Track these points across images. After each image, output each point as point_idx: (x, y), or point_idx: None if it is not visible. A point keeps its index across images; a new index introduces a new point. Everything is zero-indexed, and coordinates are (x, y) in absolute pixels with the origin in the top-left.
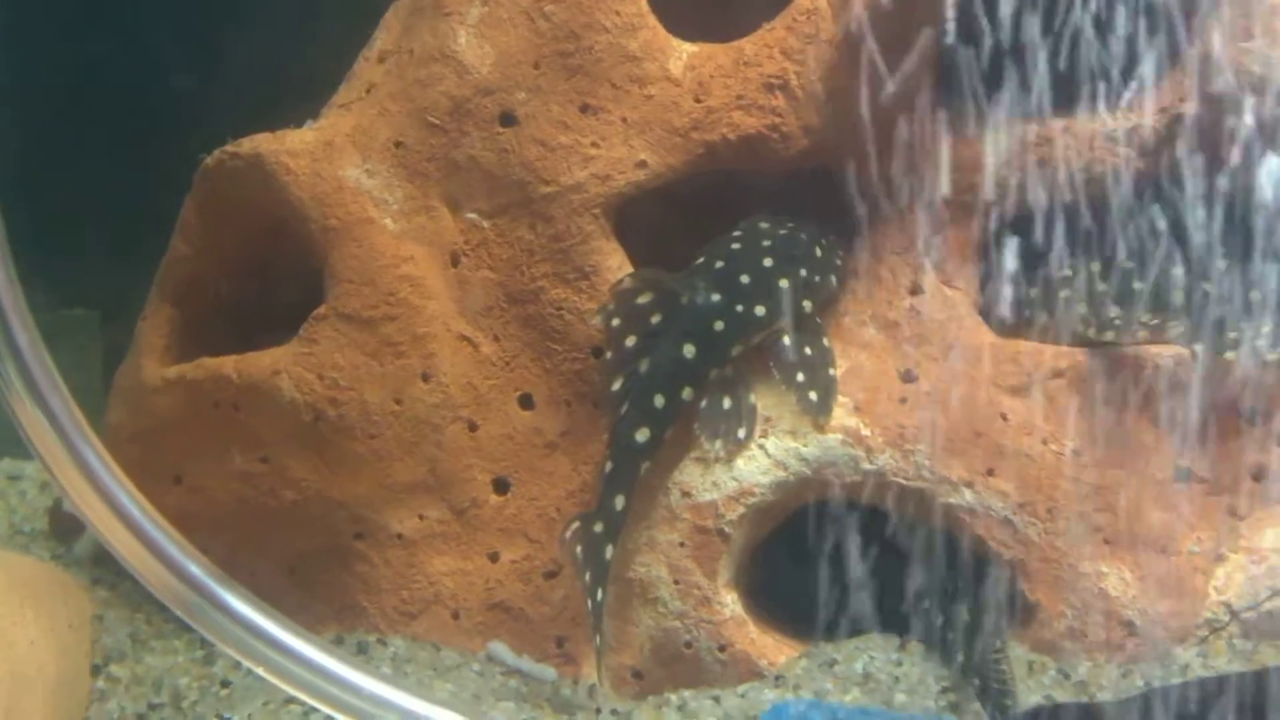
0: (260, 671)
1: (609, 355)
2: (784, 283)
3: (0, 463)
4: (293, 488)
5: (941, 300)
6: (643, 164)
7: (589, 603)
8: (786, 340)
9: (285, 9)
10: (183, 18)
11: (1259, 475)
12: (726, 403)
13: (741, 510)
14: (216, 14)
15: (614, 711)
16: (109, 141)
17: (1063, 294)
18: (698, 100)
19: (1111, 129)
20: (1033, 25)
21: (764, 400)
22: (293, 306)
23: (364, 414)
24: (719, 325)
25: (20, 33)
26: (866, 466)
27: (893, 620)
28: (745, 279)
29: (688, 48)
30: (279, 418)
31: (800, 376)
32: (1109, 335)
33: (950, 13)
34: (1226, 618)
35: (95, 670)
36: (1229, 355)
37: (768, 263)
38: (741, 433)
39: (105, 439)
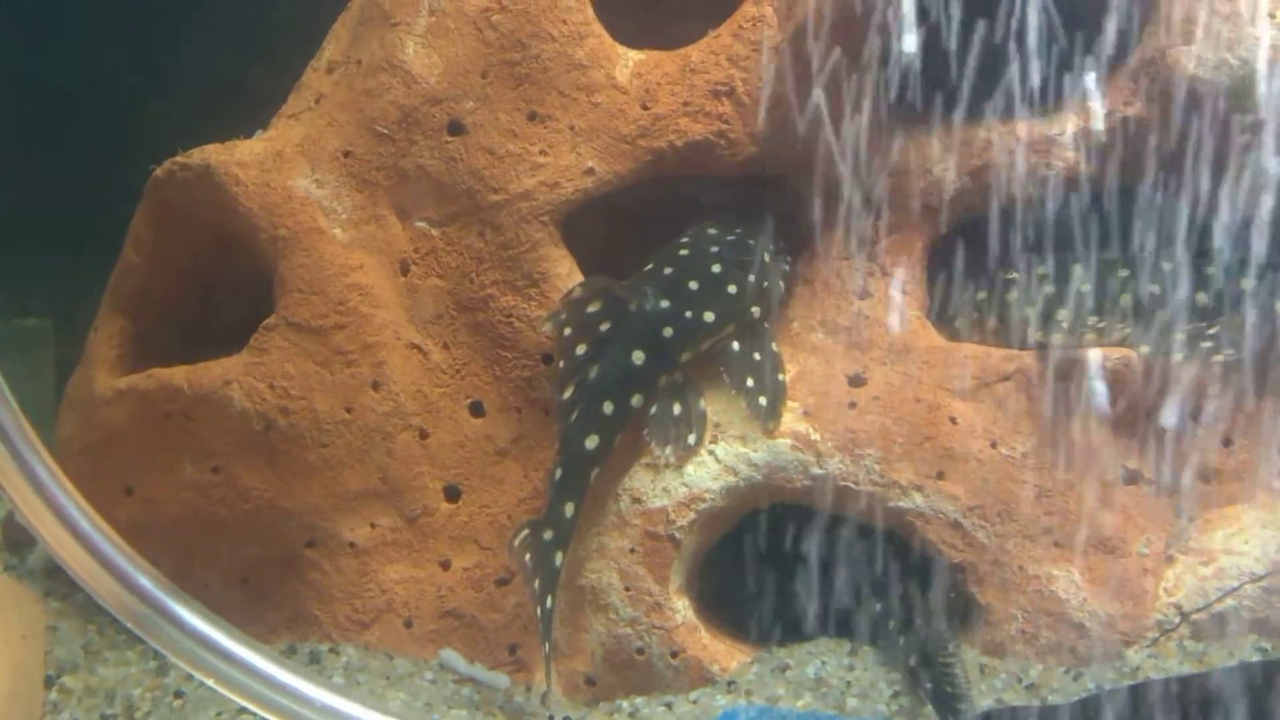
0: (210, 683)
1: (560, 364)
2: (732, 288)
3: None
4: (244, 497)
5: (889, 304)
6: (590, 171)
7: (538, 610)
8: (735, 346)
9: (235, 20)
10: (133, 29)
11: (1207, 476)
12: (676, 409)
13: (692, 516)
14: (167, 25)
15: (566, 718)
16: (62, 152)
17: (1010, 297)
18: (645, 107)
19: (1057, 132)
20: (978, 29)
21: (714, 406)
22: (242, 317)
23: (315, 423)
24: (668, 331)
25: None
26: (816, 471)
27: (844, 624)
28: (694, 285)
29: (634, 55)
30: (230, 427)
31: (750, 382)
32: (1056, 338)
33: (896, 19)
34: (1176, 619)
35: (49, 682)
36: (1175, 357)
37: (716, 269)
38: (691, 438)
39: (57, 450)
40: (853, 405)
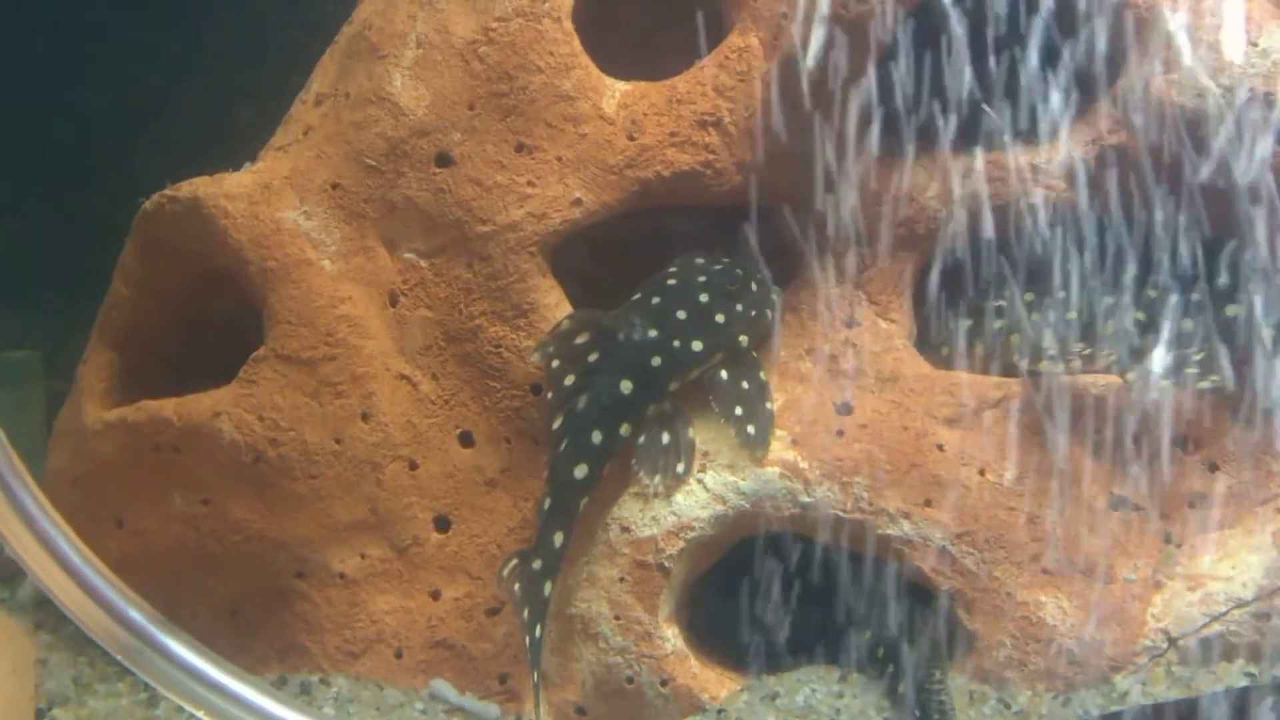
0: (201, 715)
1: (549, 395)
2: (720, 318)
3: None
4: (234, 529)
5: (877, 333)
6: (578, 202)
7: (526, 640)
8: (724, 374)
9: (223, 54)
10: (122, 62)
11: (1194, 502)
12: (665, 438)
13: (681, 545)
14: (156, 59)
15: None
16: (51, 185)
17: (996, 324)
18: (631, 138)
19: (1043, 160)
20: (962, 59)
21: (702, 435)
22: (231, 349)
23: (304, 454)
24: (656, 361)
25: None
26: (804, 499)
27: (833, 652)
28: (682, 314)
29: (621, 86)
30: (219, 459)
31: (738, 410)
32: (1043, 365)
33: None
34: (1164, 645)
35: (39, 715)
36: (1161, 383)
37: (704, 298)
38: (680, 467)
39: (47, 483)
40: (841, 433)
